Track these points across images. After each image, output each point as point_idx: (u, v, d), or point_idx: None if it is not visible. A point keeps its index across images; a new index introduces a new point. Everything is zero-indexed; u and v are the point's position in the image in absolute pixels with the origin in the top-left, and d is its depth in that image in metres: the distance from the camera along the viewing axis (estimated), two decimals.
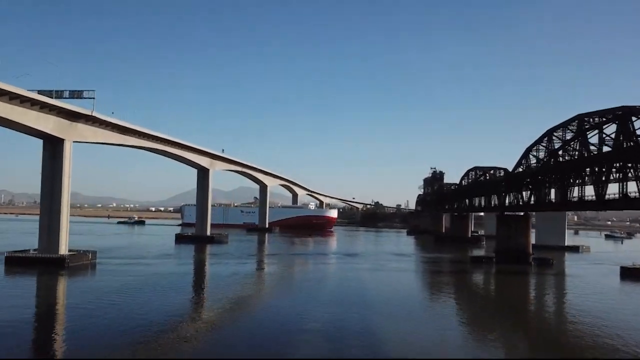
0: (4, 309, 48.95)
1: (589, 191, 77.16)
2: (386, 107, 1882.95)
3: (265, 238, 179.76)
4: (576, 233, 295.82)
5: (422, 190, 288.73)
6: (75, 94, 79.83)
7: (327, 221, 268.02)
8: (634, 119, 64.39)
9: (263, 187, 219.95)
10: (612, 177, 69.62)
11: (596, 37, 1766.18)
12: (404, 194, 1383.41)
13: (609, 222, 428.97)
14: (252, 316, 49.78)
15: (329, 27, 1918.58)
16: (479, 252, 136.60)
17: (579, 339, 44.36)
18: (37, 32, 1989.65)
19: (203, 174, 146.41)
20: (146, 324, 42.70)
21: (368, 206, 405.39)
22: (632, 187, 64.90)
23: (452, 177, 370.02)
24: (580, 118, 79.22)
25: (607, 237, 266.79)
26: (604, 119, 73.00)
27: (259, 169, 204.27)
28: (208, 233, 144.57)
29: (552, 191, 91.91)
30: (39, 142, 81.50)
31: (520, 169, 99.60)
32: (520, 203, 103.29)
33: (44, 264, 76.56)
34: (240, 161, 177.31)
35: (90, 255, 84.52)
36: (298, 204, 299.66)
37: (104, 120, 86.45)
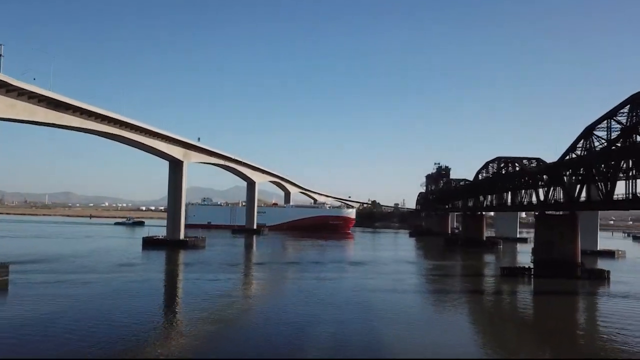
0: None
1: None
2: (382, 106, 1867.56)
3: (253, 241, 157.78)
4: None
5: (425, 187, 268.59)
6: None
7: (345, 222, 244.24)
8: None
9: (251, 184, 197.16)
10: None
11: (596, 36, 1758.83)
12: (402, 192, 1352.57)
13: (630, 222, 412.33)
14: None
15: (334, 23, 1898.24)
16: (504, 260, 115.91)
17: None
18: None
19: (176, 167, 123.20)
20: None
21: (365, 205, 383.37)
22: None
23: (456, 174, 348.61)
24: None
25: (635, 238, 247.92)
26: None
27: (245, 163, 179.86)
28: (181, 237, 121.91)
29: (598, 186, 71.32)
30: None
31: (572, 156, 78.19)
32: (563, 199, 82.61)
33: None
34: (220, 152, 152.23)
35: None
36: (315, 204, 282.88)
37: (18, 88, 63.83)
